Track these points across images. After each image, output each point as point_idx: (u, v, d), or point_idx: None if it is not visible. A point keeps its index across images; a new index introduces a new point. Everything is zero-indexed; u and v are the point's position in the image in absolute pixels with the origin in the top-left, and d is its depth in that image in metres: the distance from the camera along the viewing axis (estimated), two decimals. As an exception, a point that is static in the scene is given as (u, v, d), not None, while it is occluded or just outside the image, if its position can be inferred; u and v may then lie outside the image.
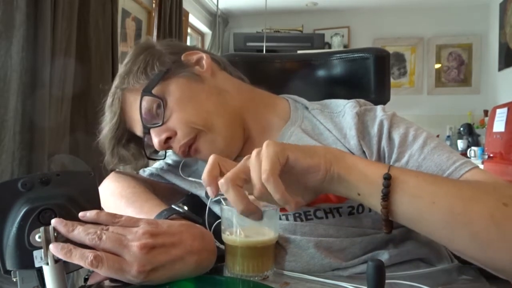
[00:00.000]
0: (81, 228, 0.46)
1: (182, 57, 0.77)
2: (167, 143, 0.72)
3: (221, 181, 0.50)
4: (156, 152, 0.79)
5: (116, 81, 0.77)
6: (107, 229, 0.48)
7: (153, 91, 0.71)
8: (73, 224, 0.46)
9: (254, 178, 0.49)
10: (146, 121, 0.72)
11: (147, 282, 0.46)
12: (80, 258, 0.44)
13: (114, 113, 0.75)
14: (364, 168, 0.52)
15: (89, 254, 0.44)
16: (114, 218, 0.50)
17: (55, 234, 0.45)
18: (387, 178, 0.49)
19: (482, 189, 0.50)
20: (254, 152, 0.51)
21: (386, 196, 0.49)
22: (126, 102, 0.74)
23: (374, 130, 0.68)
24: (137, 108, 0.72)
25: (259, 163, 0.49)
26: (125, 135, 0.77)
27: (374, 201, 0.51)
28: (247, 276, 0.54)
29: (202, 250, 0.52)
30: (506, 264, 0.46)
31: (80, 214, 0.48)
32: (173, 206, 0.63)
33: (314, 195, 0.56)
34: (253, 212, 0.50)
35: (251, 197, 0.51)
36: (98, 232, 0.46)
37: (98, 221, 0.49)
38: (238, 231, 0.54)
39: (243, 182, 0.50)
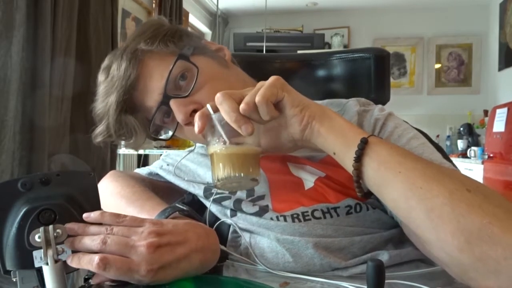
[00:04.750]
0: (86, 238, 0.46)
1: (203, 42, 0.76)
2: (192, 116, 0.65)
3: (217, 95, 0.52)
4: (158, 133, 0.74)
5: (133, 43, 0.69)
6: (112, 231, 0.48)
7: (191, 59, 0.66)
8: (78, 238, 0.46)
9: (249, 95, 0.52)
10: (169, 90, 0.66)
11: (154, 281, 0.46)
12: (88, 263, 0.44)
13: (130, 75, 0.66)
14: (345, 130, 0.54)
15: (95, 258, 0.44)
16: (118, 218, 0.50)
17: (55, 234, 0.45)
18: (364, 141, 0.51)
19: (451, 174, 0.50)
20: (258, 84, 0.54)
21: (359, 158, 0.51)
22: (145, 66, 0.67)
23: (369, 130, 0.70)
24: (159, 74, 0.66)
25: (259, 88, 0.53)
26: (134, 103, 0.69)
27: (347, 162, 0.53)
28: (235, 176, 0.53)
29: (207, 249, 0.52)
30: (453, 250, 0.45)
31: (84, 215, 0.48)
32: (176, 204, 0.63)
33: (295, 146, 0.59)
34: (245, 123, 0.51)
35: None
36: (102, 236, 0.46)
37: (102, 222, 0.49)
38: (225, 137, 0.53)
39: (239, 99, 0.53)
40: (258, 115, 0.52)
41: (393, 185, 0.50)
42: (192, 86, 0.66)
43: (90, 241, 0.46)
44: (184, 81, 0.67)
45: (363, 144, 0.51)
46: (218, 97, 0.52)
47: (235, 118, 0.51)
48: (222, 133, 0.53)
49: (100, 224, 0.49)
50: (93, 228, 0.48)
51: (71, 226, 0.46)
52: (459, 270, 0.47)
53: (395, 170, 0.49)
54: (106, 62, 0.71)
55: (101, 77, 0.71)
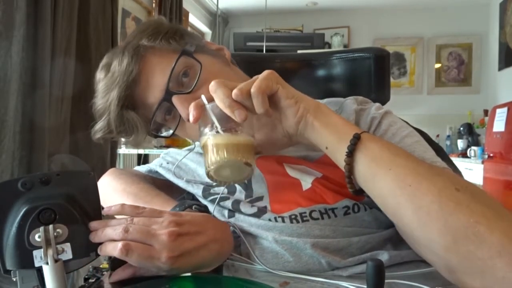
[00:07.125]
0: (108, 228, 0.48)
1: (204, 41, 0.76)
2: None
3: (212, 82, 0.52)
4: (159, 130, 0.74)
5: (135, 39, 0.68)
6: (132, 221, 0.50)
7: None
8: (101, 230, 0.48)
9: (244, 84, 0.52)
10: (171, 86, 0.65)
11: (174, 269, 0.48)
12: (112, 250, 0.46)
13: (132, 70, 0.65)
14: (339, 125, 0.54)
15: (119, 244, 0.46)
16: (138, 209, 0.52)
17: (55, 234, 0.45)
18: (356, 137, 0.52)
19: (441, 172, 0.51)
20: (253, 77, 0.54)
21: (351, 153, 0.51)
22: (147, 62, 0.67)
23: (366, 128, 0.70)
24: (161, 71, 0.66)
25: (253, 80, 0.53)
26: (136, 100, 0.68)
27: (339, 157, 0.53)
28: (227, 160, 0.51)
29: (223, 240, 0.54)
30: (439, 249, 0.44)
31: (105, 209, 0.50)
32: (189, 200, 0.64)
33: (289, 142, 0.59)
34: (239, 108, 0.51)
35: None
36: (124, 225, 0.48)
37: (123, 214, 0.51)
38: (218, 126, 0.52)
39: (233, 88, 0.52)
40: (251, 103, 0.52)
41: (383, 181, 0.50)
42: (195, 82, 0.65)
43: (112, 231, 0.47)
44: (186, 78, 0.66)
45: (356, 140, 0.51)
46: (212, 84, 0.52)
47: (229, 103, 0.51)
48: (216, 121, 0.53)
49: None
50: (114, 222, 0.49)
51: (94, 224, 0.48)
52: (446, 270, 0.47)
53: (386, 167, 0.50)
54: (105, 60, 0.71)
55: (100, 74, 0.71)
